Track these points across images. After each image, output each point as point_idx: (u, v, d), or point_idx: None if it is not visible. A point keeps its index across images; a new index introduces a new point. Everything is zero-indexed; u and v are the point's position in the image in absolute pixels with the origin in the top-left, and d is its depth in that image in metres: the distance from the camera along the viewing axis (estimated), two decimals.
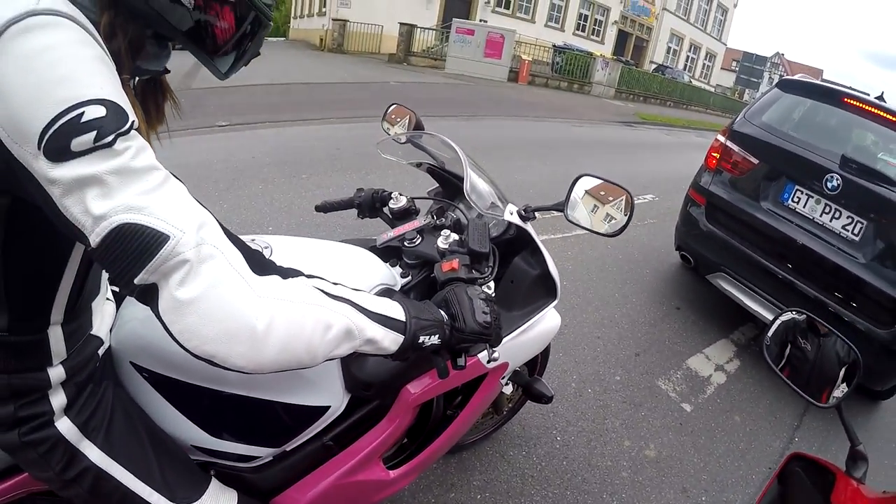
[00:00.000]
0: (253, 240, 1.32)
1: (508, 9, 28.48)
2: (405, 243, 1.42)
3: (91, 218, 0.66)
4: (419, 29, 21.40)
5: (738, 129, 4.01)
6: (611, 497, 2.38)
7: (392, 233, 1.46)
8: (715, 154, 4.09)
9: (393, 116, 1.93)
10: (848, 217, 3.31)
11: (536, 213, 1.57)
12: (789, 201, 3.59)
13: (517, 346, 1.64)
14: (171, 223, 0.68)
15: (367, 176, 5.56)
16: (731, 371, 3.62)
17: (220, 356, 0.73)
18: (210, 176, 4.88)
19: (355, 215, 1.70)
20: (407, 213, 1.56)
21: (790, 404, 3.35)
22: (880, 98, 3.86)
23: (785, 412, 3.29)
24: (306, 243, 1.44)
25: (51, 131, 0.63)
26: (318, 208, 1.76)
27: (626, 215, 1.54)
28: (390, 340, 0.94)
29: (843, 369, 1.22)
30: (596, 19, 33.14)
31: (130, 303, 1.17)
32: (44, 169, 0.65)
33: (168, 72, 0.95)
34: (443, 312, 1.06)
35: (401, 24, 20.78)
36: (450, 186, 1.74)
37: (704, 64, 42.72)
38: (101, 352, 1.07)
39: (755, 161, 3.82)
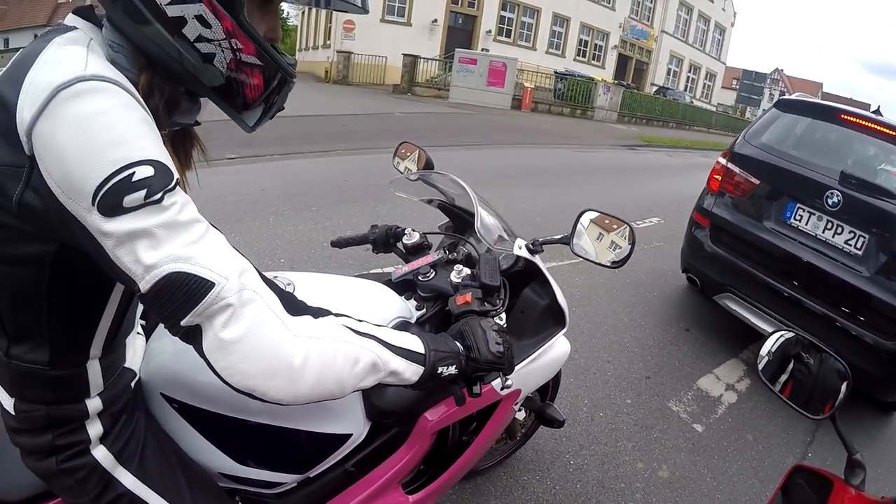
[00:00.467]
0: (276, 277, 1.40)
1: (510, 37, 28.93)
2: (419, 277, 1.50)
3: (142, 267, 0.72)
4: (422, 59, 21.72)
5: (738, 151, 4.08)
6: None
7: (407, 267, 1.53)
8: (717, 176, 4.15)
9: (403, 152, 2.02)
10: (850, 232, 3.36)
11: (544, 247, 1.64)
12: (791, 219, 3.65)
13: (529, 373, 1.70)
14: (215, 271, 0.75)
15: (375, 207, 5.65)
16: (741, 390, 3.63)
17: (261, 390, 0.80)
18: (222, 209, 4.97)
19: (368, 247, 1.77)
20: (420, 248, 1.64)
21: (803, 421, 3.34)
22: (877, 112, 3.95)
23: (797, 428, 3.31)
24: (327, 279, 1.51)
25: (104, 189, 0.69)
26: (334, 244, 1.83)
27: (629, 244, 1.61)
28: (412, 372, 1.01)
29: (844, 384, 1.26)
30: (596, 44, 33.54)
31: (159, 336, 1.23)
32: (97, 222, 0.71)
33: (199, 123, 1.02)
34: (458, 344, 1.13)
35: (404, 55, 21.12)
36: (460, 221, 1.82)
37: (705, 84, 43.04)
38: (132, 383, 1.12)
39: (756, 181, 3.88)
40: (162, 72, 0.85)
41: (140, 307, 1.15)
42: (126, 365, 1.09)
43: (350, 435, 1.31)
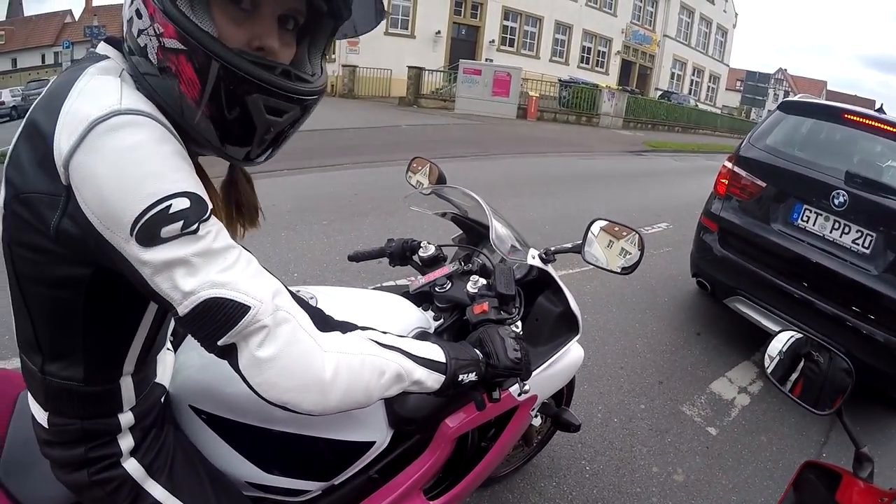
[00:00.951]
0: (298, 291, 1.44)
1: (513, 46, 29.05)
2: (436, 289, 1.54)
3: (180, 293, 0.76)
4: (427, 71, 21.80)
5: (744, 154, 4.11)
6: None
7: (423, 279, 1.58)
8: (724, 180, 4.18)
9: (415, 166, 2.08)
10: (857, 231, 3.38)
11: (556, 255, 1.69)
12: (799, 221, 3.67)
13: (545, 379, 1.74)
14: (251, 295, 0.78)
15: (386, 220, 5.70)
16: (754, 392, 3.65)
17: (294, 403, 0.84)
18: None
19: (381, 260, 1.82)
20: (436, 261, 1.68)
21: (816, 421, 3.36)
22: (880, 110, 3.97)
23: (811, 429, 3.32)
24: (348, 293, 1.56)
25: (142, 221, 0.71)
26: (352, 258, 1.87)
27: (638, 250, 1.66)
28: (434, 380, 1.06)
29: (853, 381, 1.29)
30: (599, 51, 33.61)
31: (186, 350, 1.26)
32: (135, 252, 0.73)
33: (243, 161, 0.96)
34: (477, 351, 1.18)
35: (409, 67, 21.21)
36: (473, 233, 1.87)
37: (709, 86, 42.93)
38: (162, 398, 1.14)
39: (763, 184, 3.91)
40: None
41: (172, 324, 1.19)
42: (157, 380, 1.12)
43: (374, 442, 1.35)
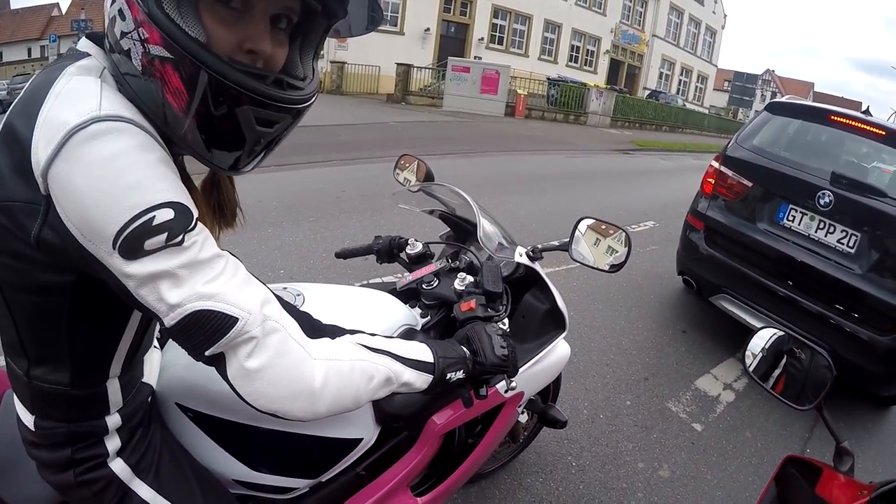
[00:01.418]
0: (285, 288, 1.44)
1: (502, 44, 29.04)
2: (423, 286, 1.54)
3: (166, 305, 0.74)
4: (415, 68, 21.76)
5: (730, 154, 4.15)
6: None
7: (411, 276, 1.58)
8: (710, 179, 4.21)
9: (403, 163, 2.08)
10: (842, 231, 3.42)
11: (543, 254, 1.70)
12: (784, 220, 3.70)
13: (531, 375, 1.75)
14: (238, 306, 0.77)
15: (373, 217, 5.67)
16: (739, 389, 3.68)
17: (283, 411, 0.84)
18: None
19: (367, 257, 1.82)
20: (423, 258, 1.68)
21: (800, 417, 3.40)
22: (866, 112, 4.02)
23: (795, 425, 3.36)
24: (335, 290, 1.56)
25: (125, 234, 0.69)
26: (339, 255, 1.87)
27: (625, 247, 1.67)
28: (422, 381, 1.07)
29: (833, 377, 1.31)
30: (588, 50, 33.69)
31: (172, 348, 1.24)
32: (119, 265, 0.71)
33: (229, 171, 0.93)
34: (465, 349, 1.19)
35: (397, 64, 21.16)
36: (461, 230, 1.87)
37: (697, 86, 43.20)
38: (149, 397, 1.13)
39: (749, 184, 3.94)
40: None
41: (158, 325, 1.19)
42: (144, 380, 1.11)
43: (361, 439, 1.35)
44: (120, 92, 0.77)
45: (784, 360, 1.42)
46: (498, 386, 1.56)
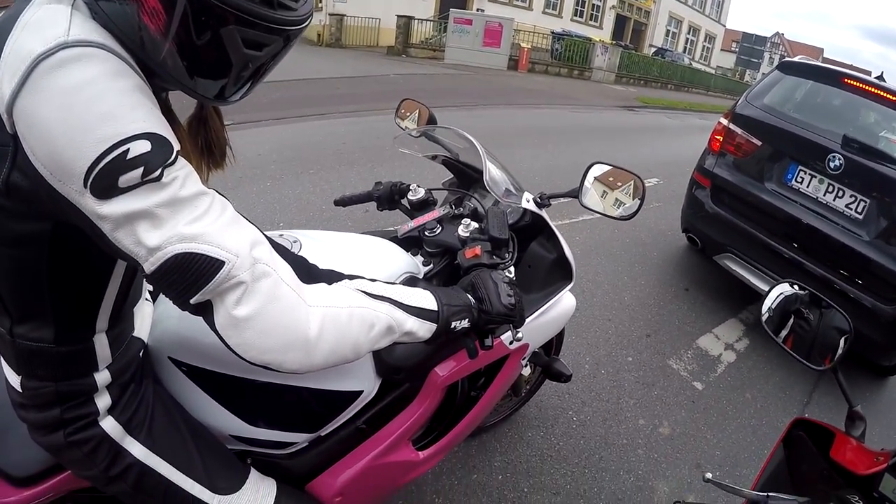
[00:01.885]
0: (281, 235, 1.38)
1: None
2: (426, 233, 1.48)
3: (145, 249, 0.68)
4: (416, 20, 21.31)
5: (740, 112, 4.05)
6: (627, 474, 2.45)
7: (413, 223, 1.52)
8: (718, 137, 4.13)
9: (404, 111, 1.99)
10: (851, 196, 3.36)
11: (551, 201, 1.63)
12: (793, 182, 3.64)
13: (537, 327, 1.71)
14: (224, 248, 0.71)
15: (373, 169, 5.58)
16: (740, 350, 3.67)
17: (276, 363, 0.78)
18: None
19: (367, 208, 1.75)
20: (425, 204, 1.62)
21: (800, 381, 3.41)
22: (880, 78, 3.91)
23: (795, 389, 3.36)
24: (333, 237, 1.50)
25: (96, 170, 0.63)
26: (338, 202, 1.81)
27: (635, 199, 1.60)
28: (426, 330, 1.01)
29: (843, 338, 1.26)
30: (593, 4, 32.92)
31: (164, 300, 1.18)
32: (91, 206, 0.66)
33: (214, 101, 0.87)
34: (470, 296, 1.13)
35: (398, 16, 20.71)
36: (465, 176, 1.80)
37: (704, 46, 42.43)
38: (141, 352, 1.10)
39: (758, 143, 3.86)
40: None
41: None
42: (134, 334, 1.07)
43: (361, 392, 1.31)
44: (94, 19, 0.69)
45: (791, 321, 1.37)
46: (503, 337, 1.52)
